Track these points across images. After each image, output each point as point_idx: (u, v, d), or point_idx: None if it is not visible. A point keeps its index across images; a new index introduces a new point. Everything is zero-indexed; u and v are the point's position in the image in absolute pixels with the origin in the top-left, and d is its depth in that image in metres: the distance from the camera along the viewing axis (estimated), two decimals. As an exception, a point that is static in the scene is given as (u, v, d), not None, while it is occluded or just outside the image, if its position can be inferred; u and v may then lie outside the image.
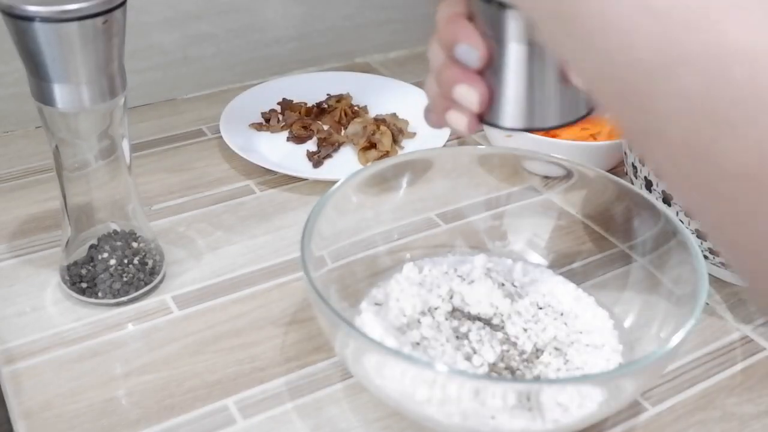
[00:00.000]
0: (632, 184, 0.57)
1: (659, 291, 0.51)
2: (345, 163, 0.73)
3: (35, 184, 0.68)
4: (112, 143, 0.51)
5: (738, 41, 0.24)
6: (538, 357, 0.49)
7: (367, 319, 0.50)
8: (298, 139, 0.75)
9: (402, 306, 0.51)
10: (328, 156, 0.73)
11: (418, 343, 0.49)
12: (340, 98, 0.81)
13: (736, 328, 0.56)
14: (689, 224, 0.54)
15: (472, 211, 0.60)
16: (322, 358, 0.52)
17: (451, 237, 0.60)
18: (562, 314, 0.52)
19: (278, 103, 0.80)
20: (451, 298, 0.52)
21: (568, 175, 0.57)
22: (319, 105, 0.80)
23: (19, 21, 0.43)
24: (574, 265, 0.57)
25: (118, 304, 0.55)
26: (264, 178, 0.70)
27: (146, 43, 0.79)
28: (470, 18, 0.37)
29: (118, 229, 0.55)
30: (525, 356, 0.49)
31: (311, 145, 0.75)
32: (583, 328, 0.51)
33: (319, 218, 0.50)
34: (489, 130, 0.72)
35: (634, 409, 0.50)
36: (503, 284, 0.53)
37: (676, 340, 0.42)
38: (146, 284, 0.56)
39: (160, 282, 0.58)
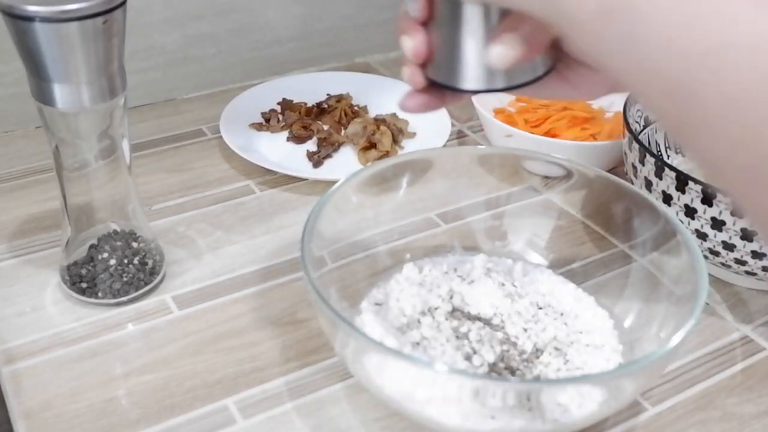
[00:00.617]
0: (632, 184, 0.57)
1: (659, 291, 0.51)
2: (345, 163, 0.73)
3: (35, 184, 0.68)
4: (112, 143, 0.51)
5: None
6: (538, 357, 0.49)
7: (367, 319, 0.50)
8: (298, 139, 0.75)
9: (402, 306, 0.51)
10: (328, 156, 0.73)
11: (418, 343, 0.49)
12: (340, 98, 0.81)
13: (736, 328, 0.56)
14: (689, 224, 0.54)
15: (472, 211, 0.60)
16: (322, 358, 0.52)
17: (451, 237, 0.60)
18: (562, 314, 0.52)
19: (278, 103, 0.80)
20: (451, 298, 0.52)
21: (568, 175, 0.57)
22: (319, 105, 0.80)
23: (19, 21, 0.43)
24: (574, 265, 0.57)
25: (118, 304, 0.55)
26: (264, 178, 0.70)
27: (146, 43, 0.79)
28: None
29: (118, 229, 0.55)
30: (525, 356, 0.49)
31: (311, 145, 0.75)
32: (583, 328, 0.51)
33: (319, 218, 0.50)
34: (488, 131, 0.72)
35: (634, 409, 0.50)
36: (503, 284, 0.53)
37: (676, 340, 0.42)
38: (146, 284, 0.56)
39: (160, 282, 0.58)
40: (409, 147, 0.75)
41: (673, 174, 0.53)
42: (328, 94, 0.82)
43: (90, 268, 0.55)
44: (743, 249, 0.53)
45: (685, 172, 0.53)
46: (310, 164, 0.72)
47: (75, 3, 0.43)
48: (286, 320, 0.55)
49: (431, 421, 0.43)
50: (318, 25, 0.88)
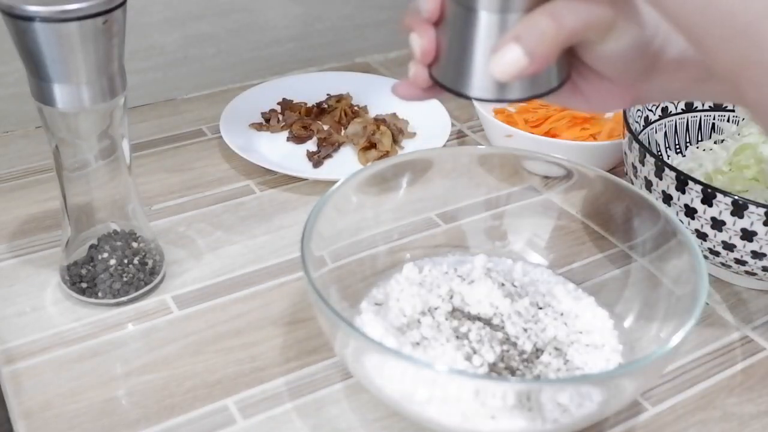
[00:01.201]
0: (632, 184, 0.57)
1: (659, 291, 0.51)
2: (345, 163, 0.73)
3: (35, 184, 0.68)
4: (112, 143, 0.51)
5: None
6: (538, 357, 0.49)
7: (367, 319, 0.50)
8: (298, 139, 0.76)
9: (402, 306, 0.51)
10: (328, 156, 0.73)
11: (418, 343, 0.48)
12: (340, 98, 0.81)
13: (736, 328, 0.56)
14: (689, 224, 0.54)
15: (472, 211, 0.60)
16: (322, 358, 0.52)
17: (451, 237, 0.60)
18: (562, 314, 0.52)
19: (278, 103, 0.80)
20: (451, 298, 0.52)
21: (568, 175, 0.57)
22: (319, 105, 0.80)
23: (19, 21, 0.43)
24: (574, 265, 0.57)
25: (118, 304, 0.55)
26: (264, 178, 0.70)
27: (146, 43, 0.79)
28: None
29: (118, 229, 0.55)
30: (525, 356, 0.49)
31: (311, 145, 0.75)
32: (583, 328, 0.51)
33: (319, 218, 0.50)
34: (488, 131, 0.72)
35: (634, 409, 0.50)
36: (503, 284, 0.53)
37: (676, 340, 0.42)
38: (146, 284, 0.56)
39: (160, 282, 0.58)
40: (409, 147, 0.75)
41: (673, 174, 0.53)
42: (328, 94, 0.82)
43: (90, 268, 0.55)
44: (743, 249, 0.53)
45: (685, 172, 0.53)
46: (310, 164, 0.72)
47: (75, 3, 0.43)
48: (286, 320, 0.55)
49: (431, 421, 0.43)
50: (318, 25, 0.88)
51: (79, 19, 0.44)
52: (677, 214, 0.54)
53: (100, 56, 0.46)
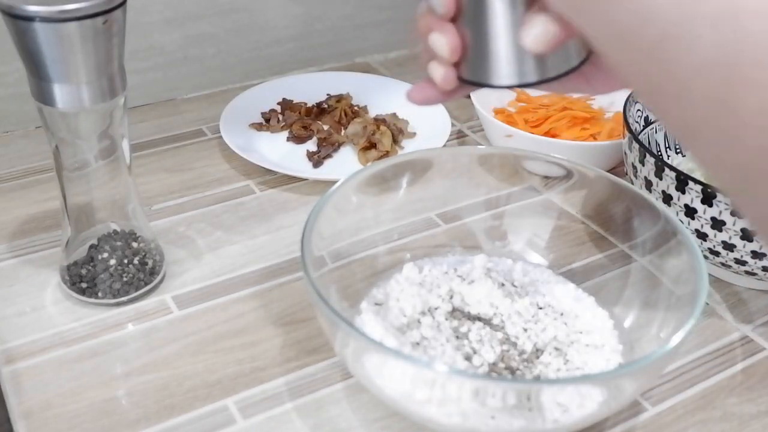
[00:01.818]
0: (632, 184, 0.57)
1: (659, 291, 0.51)
2: (345, 163, 0.73)
3: (35, 184, 0.68)
4: (112, 143, 0.51)
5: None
6: (538, 357, 0.49)
7: (367, 319, 0.50)
8: (298, 139, 0.76)
9: (402, 306, 0.51)
10: (328, 156, 0.73)
11: (418, 343, 0.49)
12: (340, 98, 0.81)
13: (736, 328, 0.56)
14: (689, 224, 0.54)
15: (472, 211, 0.60)
16: (322, 358, 0.52)
17: (451, 237, 0.60)
18: (562, 314, 0.52)
19: (278, 103, 0.80)
20: (451, 298, 0.52)
21: (568, 175, 0.57)
22: (319, 105, 0.80)
23: (19, 21, 0.43)
24: (574, 265, 0.57)
25: (118, 304, 0.55)
26: (264, 178, 0.70)
27: (146, 43, 0.79)
28: None
29: (118, 229, 0.55)
30: (525, 356, 0.49)
31: (311, 145, 0.75)
32: (583, 328, 0.51)
33: (319, 218, 0.50)
34: (488, 131, 0.72)
35: (634, 409, 0.50)
36: (503, 284, 0.53)
37: (676, 340, 0.42)
38: (146, 284, 0.56)
39: (160, 282, 0.58)
40: (409, 147, 0.75)
41: (673, 174, 0.53)
42: (328, 94, 0.82)
43: (90, 268, 0.55)
44: (743, 249, 0.53)
45: (685, 172, 0.53)
46: (310, 164, 0.72)
47: (75, 3, 0.43)
48: (286, 320, 0.55)
49: (431, 421, 0.43)
50: (318, 25, 0.88)
51: (79, 19, 0.44)
52: (677, 214, 0.54)
53: (100, 56, 0.46)
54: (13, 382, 0.50)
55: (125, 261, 0.55)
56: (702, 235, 0.54)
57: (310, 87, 0.82)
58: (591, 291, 0.54)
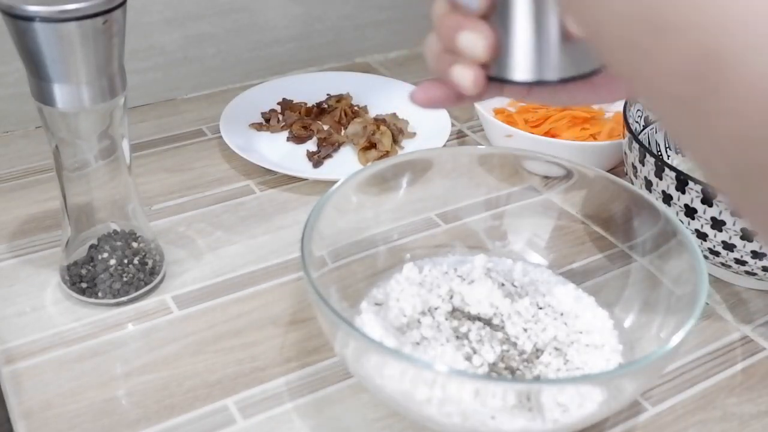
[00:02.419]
0: (632, 184, 0.57)
1: (659, 291, 0.51)
2: (345, 163, 0.73)
3: (35, 184, 0.68)
4: (112, 143, 0.51)
5: None
6: (538, 357, 0.49)
7: (367, 319, 0.50)
8: (298, 139, 0.75)
9: (402, 306, 0.51)
10: (328, 156, 0.73)
11: (418, 343, 0.49)
12: (340, 98, 0.81)
13: (736, 328, 0.56)
14: (689, 224, 0.54)
15: (472, 211, 0.60)
16: (322, 358, 0.52)
17: (451, 237, 0.60)
18: (562, 314, 0.52)
19: (278, 103, 0.80)
20: (451, 298, 0.52)
21: (568, 175, 0.57)
22: (319, 105, 0.80)
23: (19, 21, 0.43)
24: (574, 265, 0.57)
25: (118, 304, 0.55)
26: (264, 178, 0.70)
27: (146, 43, 0.79)
28: None
29: (118, 229, 0.55)
30: (525, 356, 0.49)
31: (311, 145, 0.75)
32: (583, 328, 0.51)
33: (319, 218, 0.50)
34: (488, 131, 0.72)
35: (634, 409, 0.50)
36: (503, 284, 0.53)
37: (676, 340, 0.42)
38: (146, 284, 0.56)
39: (160, 282, 0.58)
40: (409, 147, 0.75)
41: (673, 174, 0.53)
42: (328, 94, 0.82)
43: (90, 268, 0.55)
44: (743, 249, 0.53)
45: (685, 172, 0.53)
46: (310, 164, 0.72)
47: (75, 3, 0.43)
48: (286, 320, 0.55)
49: (431, 421, 0.43)
50: (318, 25, 0.88)
51: (79, 19, 0.44)
52: (677, 214, 0.54)
53: (100, 56, 0.46)
54: (13, 382, 0.50)
55: (125, 261, 0.55)
56: (702, 235, 0.54)
57: (310, 87, 0.82)
58: (591, 291, 0.54)
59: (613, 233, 0.56)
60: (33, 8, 0.43)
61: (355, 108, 0.79)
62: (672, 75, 0.26)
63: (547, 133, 0.71)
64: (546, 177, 0.59)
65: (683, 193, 0.53)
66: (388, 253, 0.57)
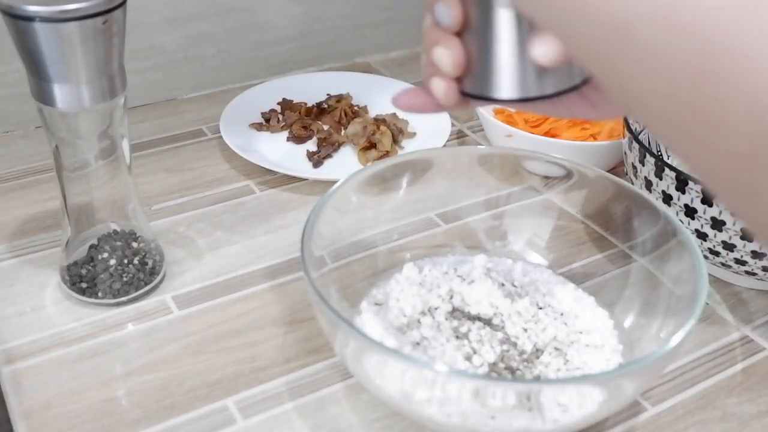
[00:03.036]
0: (632, 184, 0.57)
1: (659, 291, 0.51)
2: (345, 163, 0.73)
3: (35, 184, 0.68)
4: (112, 143, 0.51)
5: None
6: (538, 357, 0.49)
7: (367, 319, 0.50)
8: (298, 139, 0.76)
9: (402, 306, 0.51)
10: (328, 156, 0.73)
11: (418, 343, 0.49)
12: (340, 98, 0.81)
13: (736, 328, 0.56)
14: (689, 224, 0.54)
15: (472, 211, 0.60)
16: (322, 358, 0.52)
17: (451, 237, 0.60)
18: (562, 314, 0.52)
19: (278, 103, 0.80)
20: (451, 298, 0.52)
21: (568, 175, 0.57)
22: (319, 105, 0.80)
23: (19, 21, 0.43)
24: (574, 265, 0.57)
25: (118, 304, 0.55)
26: (264, 178, 0.70)
27: (146, 43, 0.79)
28: None
29: (118, 229, 0.55)
30: (525, 356, 0.49)
31: (311, 145, 0.75)
32: (583, 328, 0.51)
33: (319, 218, 0.50)
34: (488, 131, 0.72)
35: (634, 409, 0.50)
36: (503, 284, 0.53)
37: (676, 340, 0.42)
38: (146, 284, 0.56)
39: (160, 282, 0.58)
40: (409, 147, 0.75)
41: (673, 174, 0.53)
42: (328, 94, 0.82)
43: (90, 268, 0.55)
44: (743, 249, 0.53)
45: (685, 172, 0.53)
46: (310, 164, 0.72)
47: (75, 3, 0.43)
48: (286, 320, 0.55)
49: (431, 421, 0.43)
50: (318, 25, 0.88)
51: (79, 19, 0.44)
52: (677, 214, 0.54)
53: (100, 56, 0.46)
54: (13, 382, 0.50)
55: (125, 261, 0.55)
56: (702, 235, 0.54)
57: (310, 87, 0.82)
58: (591, 291, 0.54)
59: (613, 233, 0.56)
60: (33, 8, 0.43)
61: (355, 108, 0.79)
62: (655, 90, 0.26)
63: (547, 133, 0.71)
64: (546, 177, 0.59)
65: (683, 193, 0.53)
66: (388, 253, 0.57)
